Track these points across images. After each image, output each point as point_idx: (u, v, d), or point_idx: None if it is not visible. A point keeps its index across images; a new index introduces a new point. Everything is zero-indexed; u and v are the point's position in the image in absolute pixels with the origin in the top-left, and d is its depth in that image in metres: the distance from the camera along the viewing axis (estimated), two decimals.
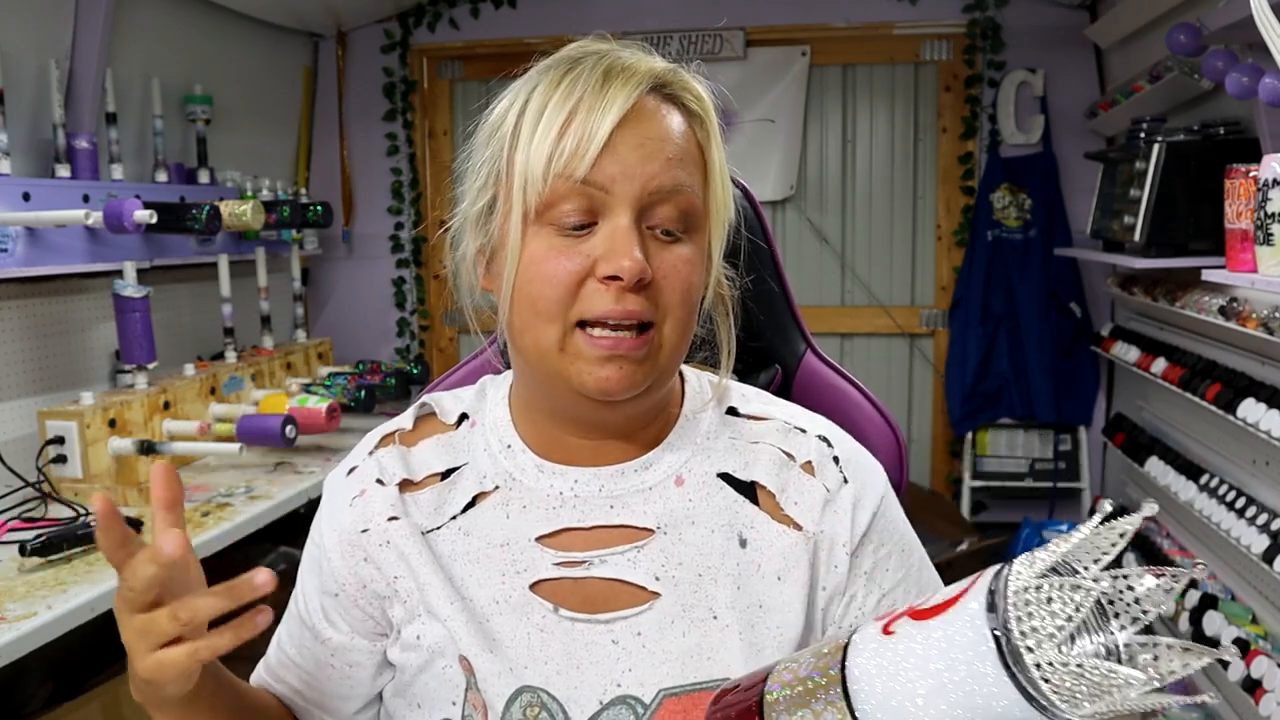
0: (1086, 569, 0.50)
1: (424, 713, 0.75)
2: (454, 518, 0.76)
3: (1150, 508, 0.49)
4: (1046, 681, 0.47)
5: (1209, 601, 2.19)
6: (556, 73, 0.70)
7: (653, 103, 0.71)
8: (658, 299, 0.70)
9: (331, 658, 0.79)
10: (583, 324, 0.69)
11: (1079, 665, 0.47)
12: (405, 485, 0.77)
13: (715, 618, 0.73)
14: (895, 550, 0.77)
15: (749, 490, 0.77)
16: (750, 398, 0.83)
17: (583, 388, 0.70)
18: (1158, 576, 0.50)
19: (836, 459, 0.78)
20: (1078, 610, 0.47)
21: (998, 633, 0.48)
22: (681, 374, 0.82)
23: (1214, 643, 2.09)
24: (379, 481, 0.77)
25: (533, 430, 0.78)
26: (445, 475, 0.78)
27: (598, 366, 0.69)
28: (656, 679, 0.72)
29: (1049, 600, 0.48)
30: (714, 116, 0.74)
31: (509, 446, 0.78)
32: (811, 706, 0.56)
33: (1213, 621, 2.13)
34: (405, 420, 0.82)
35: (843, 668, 0.56)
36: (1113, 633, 0.50)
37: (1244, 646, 2.01)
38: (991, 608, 0.49)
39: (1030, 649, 0.47)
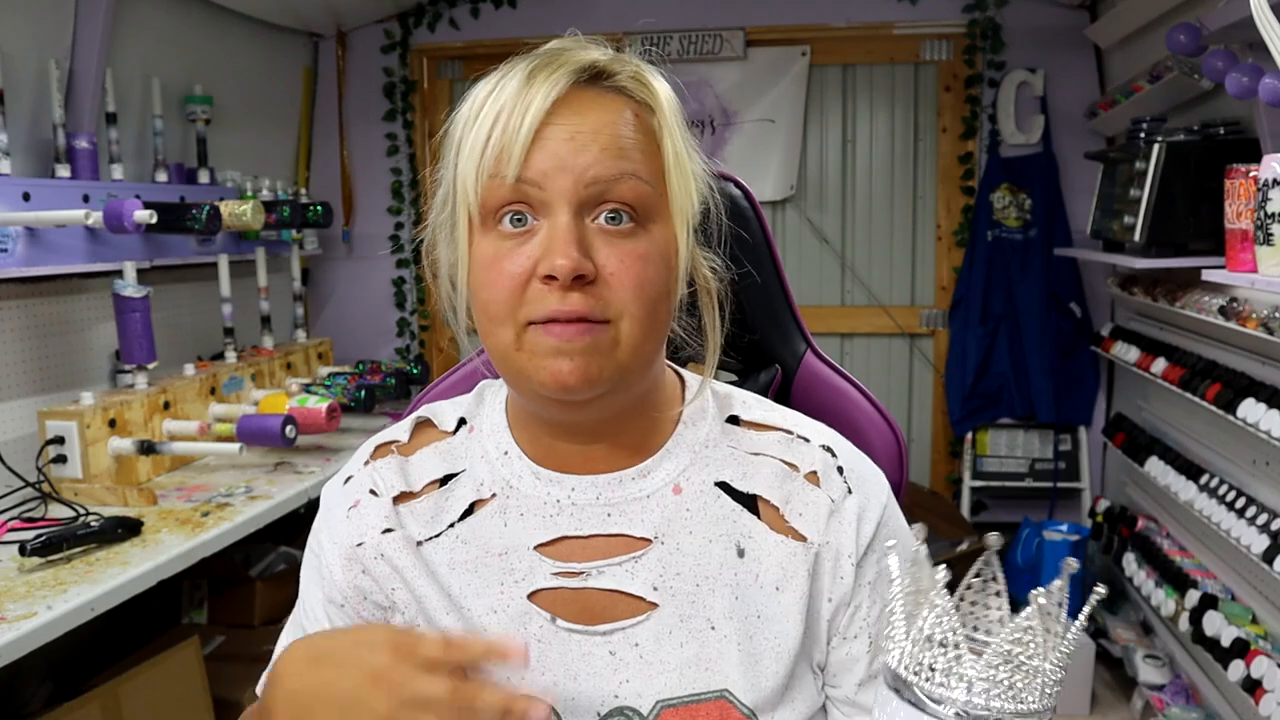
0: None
1: None
2: (452, 525, 0.76)
3: (995, 539, 0.58)
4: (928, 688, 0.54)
5: (1209, 601, 2.19)
6: (494, 77, 0.71)
7: (590, 94, 0.70)
8: (608, 296, 0.68)
9: None
10: (534, 323, 0.68)
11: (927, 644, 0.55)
12: (403, 497, 0.77)
13: (713, 628, 0.73)
14: None
15: (748, 501, 0.76)
16: (752, 405, 0.81)
17: (541, 385, 0.69)
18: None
19: (840, 469, 0.77)
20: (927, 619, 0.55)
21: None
22: (681, 377, 0.82)
23: (1214, 643, 2.10)
24: (373, 493, 0.77)
25: (528, 436, 0.77)
26: (444, 482, 0.78)
27: (551, 360, 0.67)
28: (654, 690, 0.72)
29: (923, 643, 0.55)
30: (667, 104, 0.72)
31: (505, 453, 0.78)
32: None
33: (1213, 621, 2.13)
34: (402, 432, 0.81)
35: None
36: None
37: (1244, 646, 2.01)
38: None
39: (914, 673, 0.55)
